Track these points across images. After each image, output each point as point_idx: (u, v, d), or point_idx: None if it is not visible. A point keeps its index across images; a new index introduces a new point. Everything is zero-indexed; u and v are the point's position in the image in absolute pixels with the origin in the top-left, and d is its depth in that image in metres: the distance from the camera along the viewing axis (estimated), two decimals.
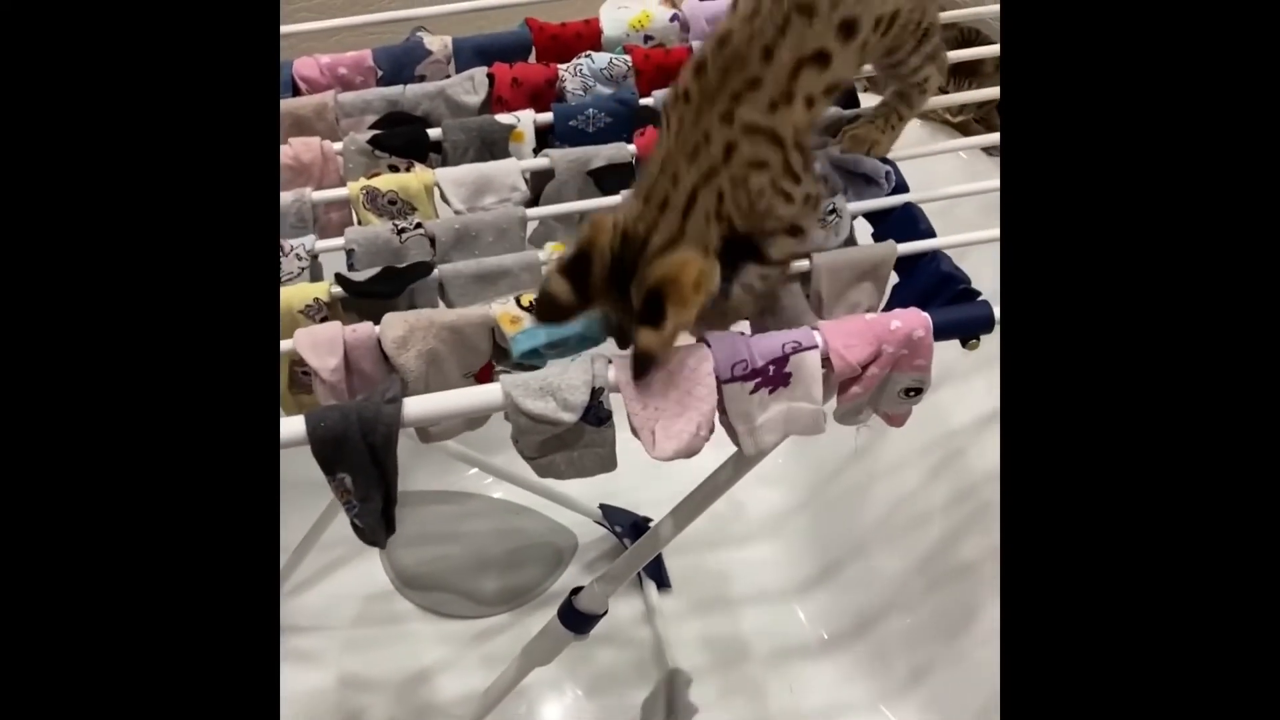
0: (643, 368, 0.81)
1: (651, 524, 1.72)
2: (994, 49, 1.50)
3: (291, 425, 0.81)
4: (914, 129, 1.74)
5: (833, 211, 0.96)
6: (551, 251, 0.97)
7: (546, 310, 0.83)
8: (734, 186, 0.82)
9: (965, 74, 1.68)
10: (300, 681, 1.61)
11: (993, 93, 1.37)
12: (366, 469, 0.83)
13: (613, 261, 0.81)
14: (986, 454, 1.58)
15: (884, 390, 0.88)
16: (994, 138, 1.38)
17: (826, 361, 0.84)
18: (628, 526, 1.75)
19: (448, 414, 0.84)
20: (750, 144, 0.81)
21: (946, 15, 1.47)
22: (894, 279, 0.97)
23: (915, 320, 0.86)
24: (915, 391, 0.89)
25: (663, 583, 1.73)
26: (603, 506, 1.77)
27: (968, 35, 1.75)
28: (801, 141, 0.84)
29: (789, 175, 0.84)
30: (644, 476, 1.81)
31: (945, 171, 1.43)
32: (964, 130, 1.77)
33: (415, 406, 0.82)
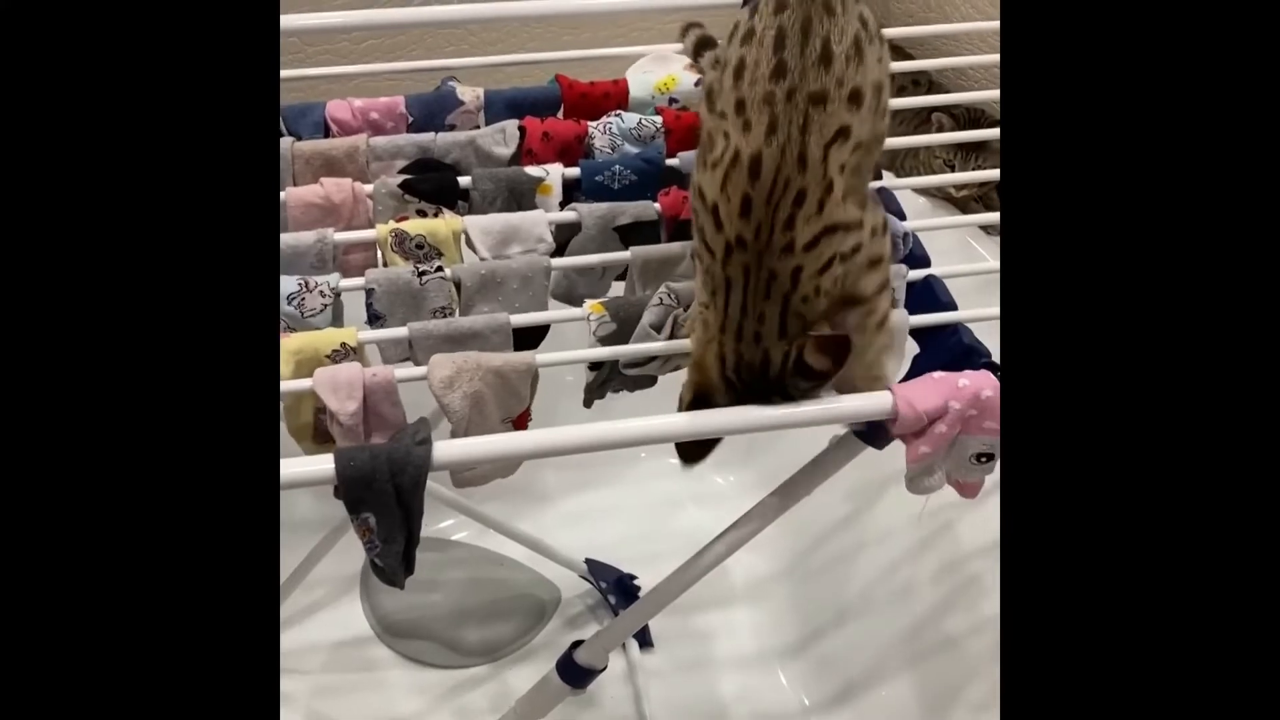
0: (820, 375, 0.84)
1: (636, 580, 1.73)
2: (996, 131, 1.54)
3: (320, 464, 0.81)
4: (917, 203, 1.78)
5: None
6: (590, 311, 0.98)
7: (691, 452, 0.89)
8: (806, 302, 0.83)
9: (972, 151, 1.73)
10: None
11: (992, 175, 1.42)
12: (392, 510, 0.83)
13: (744, 388, 0.85)
14: (976, 527, 1.59)
15: (955, 454, 0.89)
16: (991, 217, 1.43)
17: (894, 418, 0.86)
18: (613, 583, 1.74)
19: (478, 459, 0.85)
20: (812, 258, 0.83)
21: (953, 98, 1.52)
22: (915, 349, 0.99)
23: (983, 380, 0.88)
24: (988, 458, 0.91)
25: (646, 641, 1.72)
26: (589, 561, 1.76)
27: (973, 115, 1.79)
28: (847, 188, 0.84)
29: (848, 231, 0.84)
30: (631, 533, 1.84)
31: (944, 246, 1.46)
32: (963, 207, 1.80)
33: (445, 450, 0.82)
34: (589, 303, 0.99)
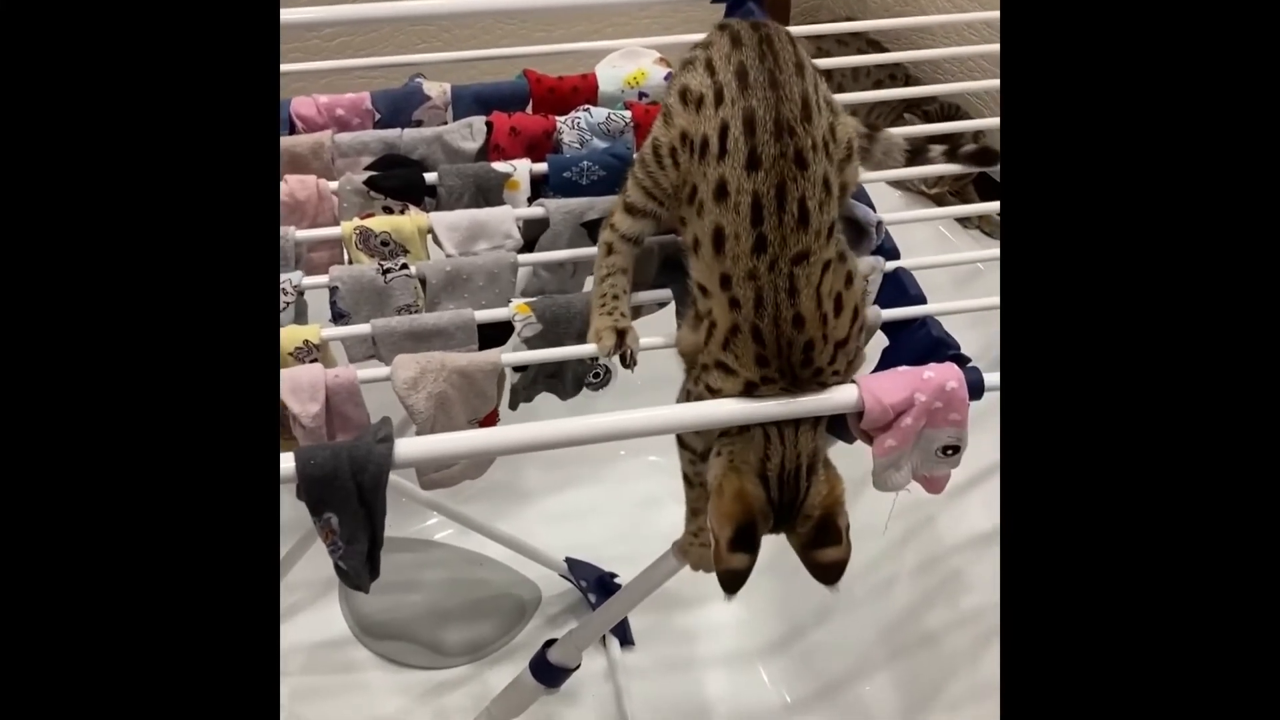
0: (840, 575, 0.89)
1: (616, 579, 1.72)
2: (972, 123, 1.54)
3: (281, 463, 0.80)
4: (891, 197, 1.78)
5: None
6: (515, 311, 0.97)
7: (735, 584, 0.88)
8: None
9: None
10: None
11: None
12: (354, 510, 0.82)
13: (775, 513, 0.88)
14: (955, 523, 1.59)
15: (921, 448, 0.89)
16: (967, 209, 1.42)
17: (860, 413, 0.86)
18: (593, 581, 1.74)
19: (439, 456, 0.84)
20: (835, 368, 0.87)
21: (929, 90, 1.52)
22: (884, 342, 0.98)
23: (948, 372, 0.88)
24: (953, 450, 0.91)
25: (626, 639, 1.71)
26: (569, 560, 1.76)
27: (947, 110, 1.79)
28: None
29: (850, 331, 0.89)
30: (611, 532, 1.83)
31: (920, 240, 1.46)
32: (938, 201, 1.80)
33: (407, 448, 0.81)
34: (514, 303, 0.98)
